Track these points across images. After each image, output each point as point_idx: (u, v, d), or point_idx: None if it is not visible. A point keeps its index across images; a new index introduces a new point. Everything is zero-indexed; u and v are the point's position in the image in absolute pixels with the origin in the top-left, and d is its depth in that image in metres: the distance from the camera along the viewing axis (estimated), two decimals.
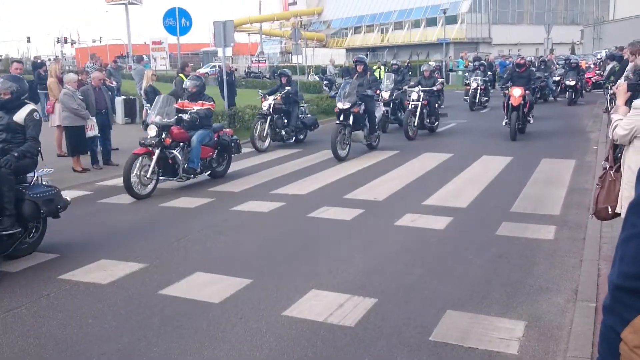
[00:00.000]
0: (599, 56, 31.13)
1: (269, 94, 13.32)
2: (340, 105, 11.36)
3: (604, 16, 60.67)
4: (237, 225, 7.03)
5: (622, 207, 4.19)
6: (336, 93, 12.67)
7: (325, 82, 28.17)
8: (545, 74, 21.92)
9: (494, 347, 3.83)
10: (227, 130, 10.51)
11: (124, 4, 39.90)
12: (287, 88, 13.14)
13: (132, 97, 17.15)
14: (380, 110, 13.22)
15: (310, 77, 32.93)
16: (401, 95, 15.29)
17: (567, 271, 5.20)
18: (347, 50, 66.02)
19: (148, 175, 8.50)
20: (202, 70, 38.92)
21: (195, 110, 9.23)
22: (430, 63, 20.93)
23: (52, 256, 5.95)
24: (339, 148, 11.09)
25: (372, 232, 6.57)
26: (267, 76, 37.60)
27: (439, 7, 54.73)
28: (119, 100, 16.41)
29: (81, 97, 9.94)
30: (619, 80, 9.21)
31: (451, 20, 58.74)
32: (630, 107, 4.43)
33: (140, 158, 8.45)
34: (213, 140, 9.53)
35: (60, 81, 11.23)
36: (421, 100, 13.82)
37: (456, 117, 17.38)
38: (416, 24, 67.23)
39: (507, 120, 13.20)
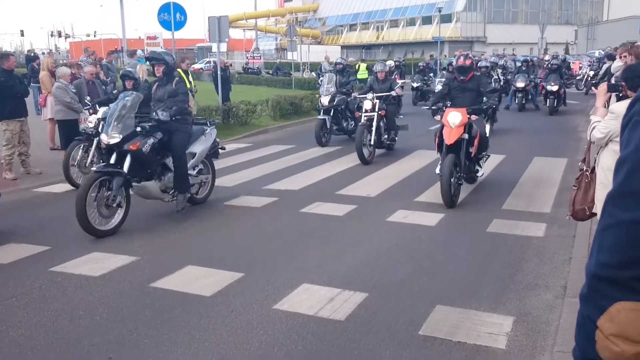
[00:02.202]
0: (597, 54, 30.88)
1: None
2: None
3: (597, 17, 60.97)
4: (229, 220, 7.05)
5: (598, 208, 4.21)
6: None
7: (320, 79, 28.11)
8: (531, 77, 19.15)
9: (483, 342, 3.86)
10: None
11: None
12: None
13: None
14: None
15: (305, 73, 32.93)
16: (345, 101, 12.71)
17: (557, 268, 5.24)
18: (342, 47, 66.00)
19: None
20: (196, 66, 38.87)
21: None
22: (388, 62, 20.27)
23: (43, 248, 5.95)
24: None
25: (364, 228, 6.59)
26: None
27: (434, 6, 54.85)
28: None
29: (74, 91, 9.91)
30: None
31: (446, 19, 58.88)
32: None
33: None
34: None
35: (53, 75, 11.19)
36: (377, 110, 10.66)
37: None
38: (411, 22, 67.31)
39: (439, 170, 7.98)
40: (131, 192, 6.77)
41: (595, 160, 4.35)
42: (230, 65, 27.46)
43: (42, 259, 5.65)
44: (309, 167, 10.11)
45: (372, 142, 10.56)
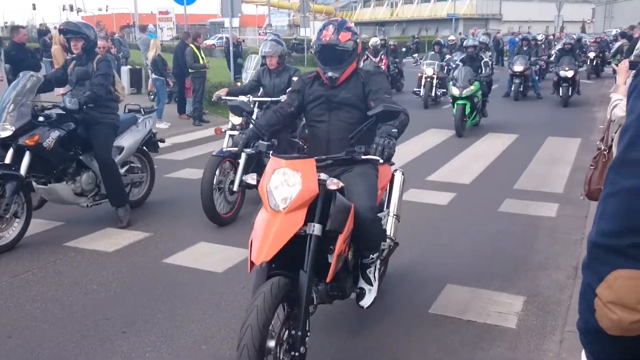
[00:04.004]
0: (614, 33, 30.16)
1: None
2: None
3: None
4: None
5: None
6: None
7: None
8: (538, 58, 17.18)
9: (493, 321, 3.88)
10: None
11: None
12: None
13: (137, 67, 17.10)
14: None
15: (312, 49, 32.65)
16: None
17: (568, 248, 5.23)
18: (356, 24, 65.33)
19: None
20: (209, 42, 38.70)
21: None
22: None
23: (58, 223, 6.02)
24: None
25: None
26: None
27: None
28: (125, 70, 16.36)
29: None
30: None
31: None
32: None
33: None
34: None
35: (65, 49, 11.20)
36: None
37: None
38: None
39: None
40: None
41: (613, 139, 4.31)
42: (243, 41, 27.18)
43: (56, 234, 5.72)
44: None
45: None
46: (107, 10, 68.14)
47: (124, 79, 16.21)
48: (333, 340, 3.69)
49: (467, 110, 10.76)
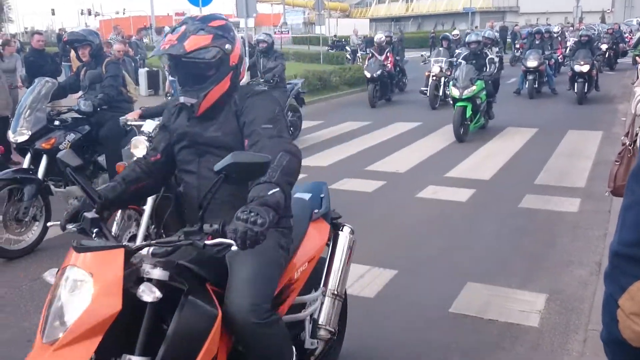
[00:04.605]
0: (635, 22, 29.11)
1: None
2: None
3: None
4: None
5: None
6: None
7: (348, 53, 27.75)
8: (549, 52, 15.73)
9: (514, 320, 3.81)
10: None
11: None
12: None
13: (155, 68, 17.20)
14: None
15: (330, 40, 32.60)
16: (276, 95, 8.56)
17: (591, 244, 5.13)
18: (371, 20, 65.15)
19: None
20: None
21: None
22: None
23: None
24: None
25: (393, 204, 6.54)
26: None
27: None
28: (143, 72, 16.47)
29: None
30: None
31: None
32: None
33: None
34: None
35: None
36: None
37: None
38: None
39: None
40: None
41: (638, 133, 4.22)
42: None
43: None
44: (337, 143, 10.04)
45: None
46: (124, 13, 68.61)
47: (141, 81, 16.34)
48: (352, 338, 3.66)
49: (468, 112, 9.79)
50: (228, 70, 2.39)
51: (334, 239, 2.97)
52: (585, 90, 13.40)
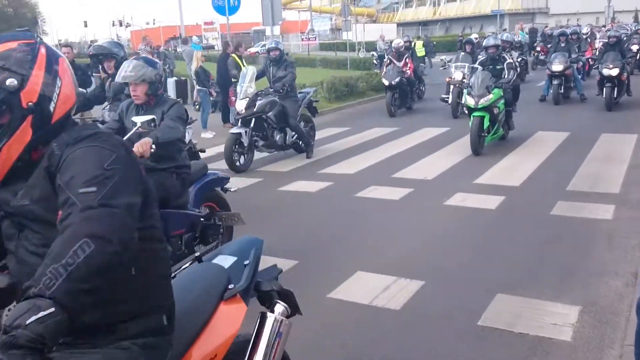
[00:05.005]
0: None
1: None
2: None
3: None
4: (284, 206, 7.03)
5: None
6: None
7: (375, 58, 27.60)
8: (577, 55, 14.62)
9: (546, 333, 3.68)
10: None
11: None
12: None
13: (183, 78, 17.38)
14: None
15: (361, 53, 32.52)
16: (275, 104, 9.04)
17: (627, 253, 4.95)
18: (398, 25, 64.90)
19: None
20: (253, 50, 39.10)
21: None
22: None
23: None
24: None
25: (420, 212, 6.44)
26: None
27: None
28: (171, 82, 16.63)
29: None
30: None
31: None
32: None
33: None
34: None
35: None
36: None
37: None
38: None
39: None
40: None
41: None
42: (286, 53, 25.83)
43: None
44: (364, 150, 9.97)
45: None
46: (154, 23, 69.80)
47: (170, 91, 16.51)
48: (377, 353, 3.58)
49: (486, 123, 9.07)
50: (22, 115, 1.66)
51: (259, 321, 2.16)
52: (615, 96, 12.54)
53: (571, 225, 5.75)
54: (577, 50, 14.94)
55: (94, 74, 16.15)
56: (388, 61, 14.37)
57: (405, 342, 3.69)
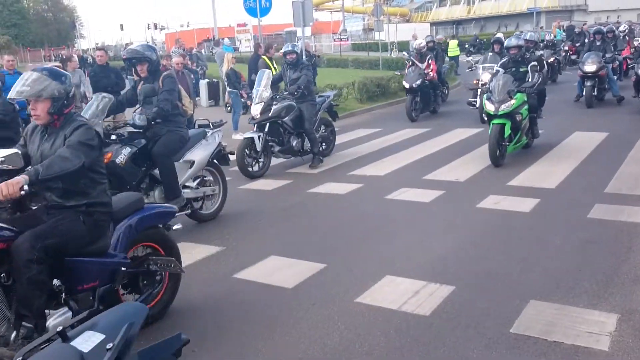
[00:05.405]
0: None
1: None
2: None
3: None
4: (313, 208, 6.98)
5: None
6: None
7: (407, 58, 27.27)
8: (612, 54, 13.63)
9: (582, 342, 3.54)
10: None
11: None
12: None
13: (215, 80, 17.52)
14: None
15: (393, 53, 32.28)
16: (292, 109, 8.95)
17: None
18: (432, 24, 64.27)
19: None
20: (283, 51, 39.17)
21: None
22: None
23: None
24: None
25: (452, 215, 6.30)
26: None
27: None
28: (203, 84, 16.82)
29: None
30: None
31: None
32: None
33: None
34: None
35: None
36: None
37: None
38: None
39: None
40: None
41: None
42: (317, 55, 24.47)
43: None
44: (395, 152, 9.85)
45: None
46: (188, 26, 70.61)
47: (202, 92, 16.69)
48: (403, 357, 3.49)
49: (507, 131, 8.27)
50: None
51: None
52: None
53: (609, 228, 5.55)
54: (612, 49, 14.01)
55: (128, 76, 16.44)
56: (410, 62, 13.81)
57: (435, 350, 3.59)
